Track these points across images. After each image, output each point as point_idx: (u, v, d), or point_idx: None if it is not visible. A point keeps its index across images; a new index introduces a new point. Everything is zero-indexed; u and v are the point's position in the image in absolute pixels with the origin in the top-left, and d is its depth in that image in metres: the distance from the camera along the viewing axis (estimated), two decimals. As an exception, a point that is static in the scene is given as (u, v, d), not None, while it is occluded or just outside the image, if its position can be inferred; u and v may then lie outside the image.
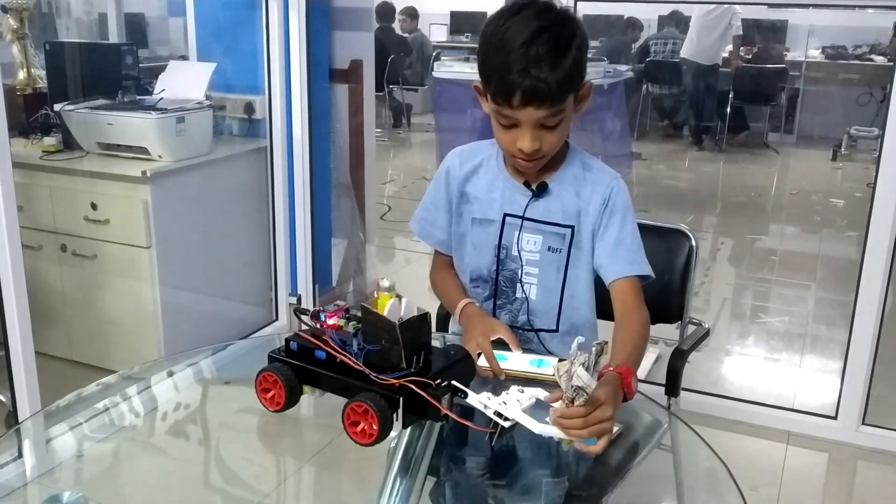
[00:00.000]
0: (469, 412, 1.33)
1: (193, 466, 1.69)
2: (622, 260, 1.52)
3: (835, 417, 2.73)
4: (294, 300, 3.43)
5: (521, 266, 1.56)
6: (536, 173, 1.53)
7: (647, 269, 1.52)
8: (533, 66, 1.34)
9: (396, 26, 8.65)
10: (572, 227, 1.54)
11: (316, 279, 3.47)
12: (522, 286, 1.57)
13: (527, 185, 1.54)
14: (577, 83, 1.41)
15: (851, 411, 2.69)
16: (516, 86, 1.35)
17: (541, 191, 1.53)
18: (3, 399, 2.54)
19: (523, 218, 1.54)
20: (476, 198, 1.59)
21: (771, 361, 3.44)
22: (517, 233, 1.55)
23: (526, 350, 1.54)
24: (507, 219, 1.55)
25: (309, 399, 1.27)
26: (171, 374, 1.82)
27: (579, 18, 1.45)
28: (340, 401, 1.17)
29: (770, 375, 3.29)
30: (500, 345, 1.47)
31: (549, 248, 1.55)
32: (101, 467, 1.64)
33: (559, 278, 1.56)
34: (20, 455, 1.47)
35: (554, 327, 1.59)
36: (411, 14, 8.85)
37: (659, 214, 5.05)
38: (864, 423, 2.70)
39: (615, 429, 1.35)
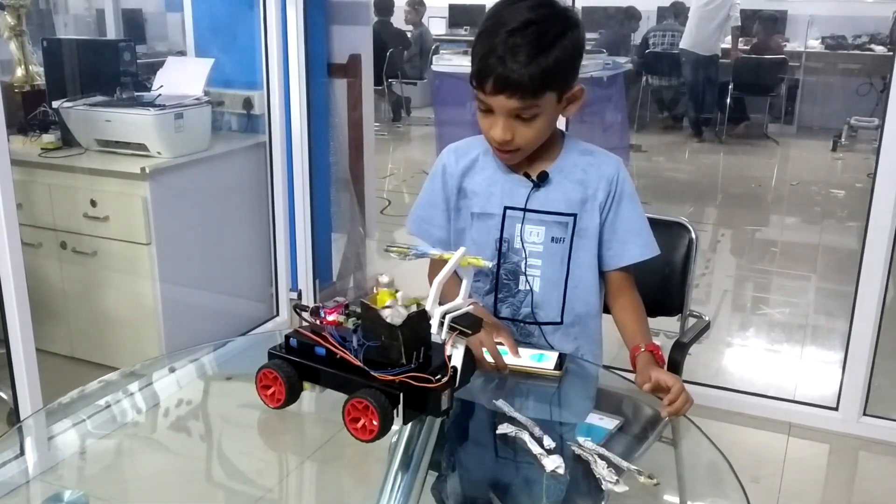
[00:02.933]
0: (469, 406, 1.34)
1: (195, 462, 1.69)
2: (634, 246, 1.56)
3: (836, 408, 2.73)
4: (294, 295, 3.43)
5: (525, 258, 1.56)
6: (535, 164, 1.53)
7: (657, 249, 1.59)
8: (509, 55, 1.35)
9: (394, 19, 8.61)
10: (574, 216, 1.54)
11: (316, 274, 3.47)
12: (527, 278, 1.57)
13: (527, 176, 1.54)
14: (559, 83, 1.41)
15: (852, 402, 2.69)
16: (490, 70, 1.37)
17: (541, 180, 1.53)
18: (5, 396, 2.54)
19: (525, 210, 1.54)
20: (475, 193, 1.58)
21: (772, 353, 3.44)
22: (519, 225, 1.55)
23: (527, 344, 1.54)
24: (508, 212, 1.55)
25: (309, 395, 1.27)
26: (172, 371, 1.82)
27: (579, 21, 1.43)
28: (341, 396, 1.17)
29: (771, 367, 3.29)
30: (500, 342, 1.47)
31: (552, 239, 1.55)
32: (104, 464, 1.64)
33: (563, 269, 1.57)
34: (22, 452, 1.47)
35: (558, 319, 1.59)
36: (416, 6, 8.78)
37: (659, 206, 5.04)
38: (865, 414, 2.71)
39: (615, 422, 1.36)
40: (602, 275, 1.60)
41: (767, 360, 3.37)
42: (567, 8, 1.45)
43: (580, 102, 1.47)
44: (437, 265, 1.68)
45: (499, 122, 1.42)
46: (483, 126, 1.47)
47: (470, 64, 1.46)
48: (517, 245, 1.56)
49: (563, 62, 1.39)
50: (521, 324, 1.60)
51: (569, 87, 1.44)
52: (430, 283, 1.69)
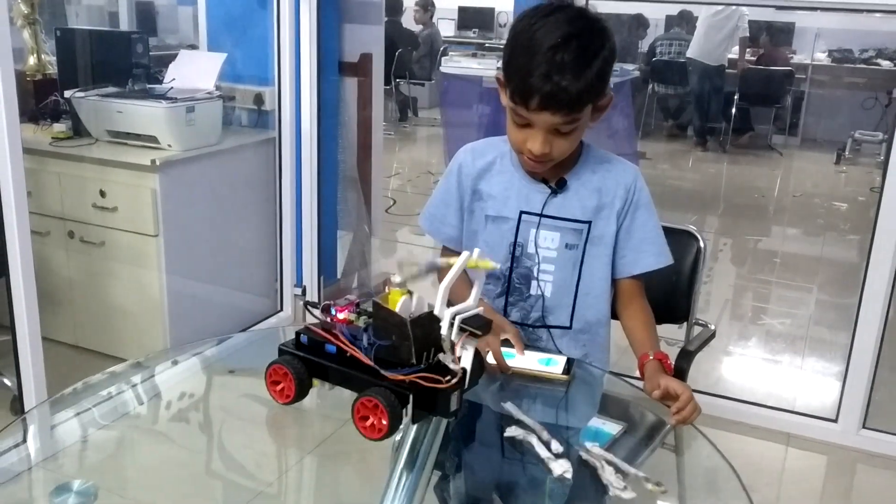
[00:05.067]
0: (476, 407, 1.35)
1: (196, 455, 1.70)
2: (648, 254, 1.57)
3: (835, 420, 2.74)
4: (299, 291, 3.44)
5: (538, 263, 1.57)
6: (552, 170, 1.54)
7: (671, 258, 1.60)
8: (556, 72, 1.34)
9: (404, 19, 8.62)
10: (589, 223, 1.55)
11: (321, 271, 3.48)
12: (539, 283, 1.58)
13: (544, 181, 1.55)
14: (598, 94, 1.41)
15: (852, 414, 2.70)
16: (536, 90, 1.35)
17: (560, 187, 1.54)
18: (9, 383, 2.55)
19: (541, 215, 1.55)
20: (490, 195, 1.59)
21: (772, 363, 3.45)
22: (534, 230, 1.55)
23: (535, 348, 1.55)
24: (524, 216, 1.55)
25: (313, 390, 1.28)
26: (175, 363, 1.83)
27: (611, 30, 1.43)
28: (345, 392, 1.18)
29: (771, 377, 3.30)
30: (508, 343, 1.48)
31: (566, 245, 1.56)
32: (105, 453, 1.65)
33: (574, 275, 1.58)
34: (24, 440, 1.48)
35: (567, 324, 1.60)
36: (425, 6, 8.78)
37: (661, 214, 5.04)
38: (864, 427, 2.71)
39: (618, 427, 1.37)
40: (613, 282, 1.61)
41: (767, 370, 3.38)
42: (599, 17, 1.44)
43: (606, 110, 1.48)
44: (447, 251, 1.69)
45: (539, 136, 1.41)
46: (516, 138, 1.46)
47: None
48: (531, 250, 1.56)
49: (604, 73, 1.39)
50: (530, 328, 1.60)
51: (604, 96, 1.44)
52: (440, 282, 1.70)
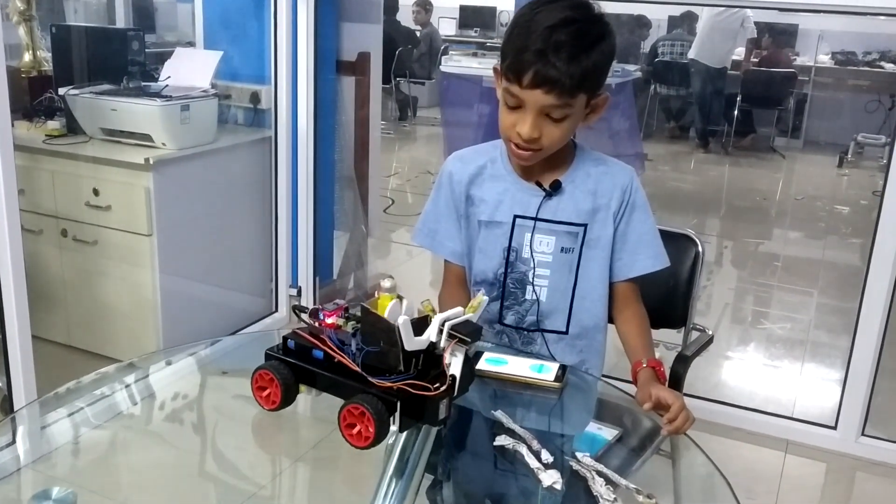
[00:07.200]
0: (467, 414, 1.32)
1: (188, 456, 1.68)
2: (644, 257, 1.55)
3: (834, 427, 2.72)
4: (294, 292, 3.42)
5: (533, 268, 1.54)
6: (547, 173, 1.52)
7: (667, 260, 1.58)
8: (551, 50, 1.33)
9: (402, 18, 8.59)
10: (584, 226, 1.52)
11: (317, 271, 3.46)
12: (534, 288, 1.55)
13: (538, 184, 1.52)
14: (592, 87, 1.40)
15: (851, 421, 2.67)
16: (529, 65, 1.34)
17: (554, 189, 1.51)
18: (-1, 383, 2.53)
19: (536, 219, 1.52)
20: (482, 200, 1.56)
21: (771, 368, 3.43)
22: (529, 234, 1.53)
23: (528, 354, 1.53)
24: (518, 220, 1.53)
25: (305, 395, 1.25)
26: (168, 364, 1.81)
27: (612, 27, 1.42)
28: (337, 398, 1.16)
29: (770, 382, 3.27)
30: (502, 349, 1.46)
31: (562, 249, 1.53)
32: (96, 454, 1.63)
33: (570, 279, 1.55)
34: (14, 441, 1.46)
35: (563, 329, 1.57)
36: (425, 6, 8.77)
37: (662, 216, 5.01)
38: (863, 434, 2.69)
39: (614, 433, 1.34)
40: (609, 285, 1.58)
41: (767, 376, 3.35)
42: (602, 13, 1.43)
43: (602, 111, 1.46)
44: (450, 281, 1.66)
45: (528, 118, 1.39)
46: (506, 122, 1.43)
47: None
48: (525, 254, 1.54)
49: (601, 65, 1.38)
50: (525, 332, 1.58)
51: (598, 92, 1.42)
52: (439, 299, 1.66)
